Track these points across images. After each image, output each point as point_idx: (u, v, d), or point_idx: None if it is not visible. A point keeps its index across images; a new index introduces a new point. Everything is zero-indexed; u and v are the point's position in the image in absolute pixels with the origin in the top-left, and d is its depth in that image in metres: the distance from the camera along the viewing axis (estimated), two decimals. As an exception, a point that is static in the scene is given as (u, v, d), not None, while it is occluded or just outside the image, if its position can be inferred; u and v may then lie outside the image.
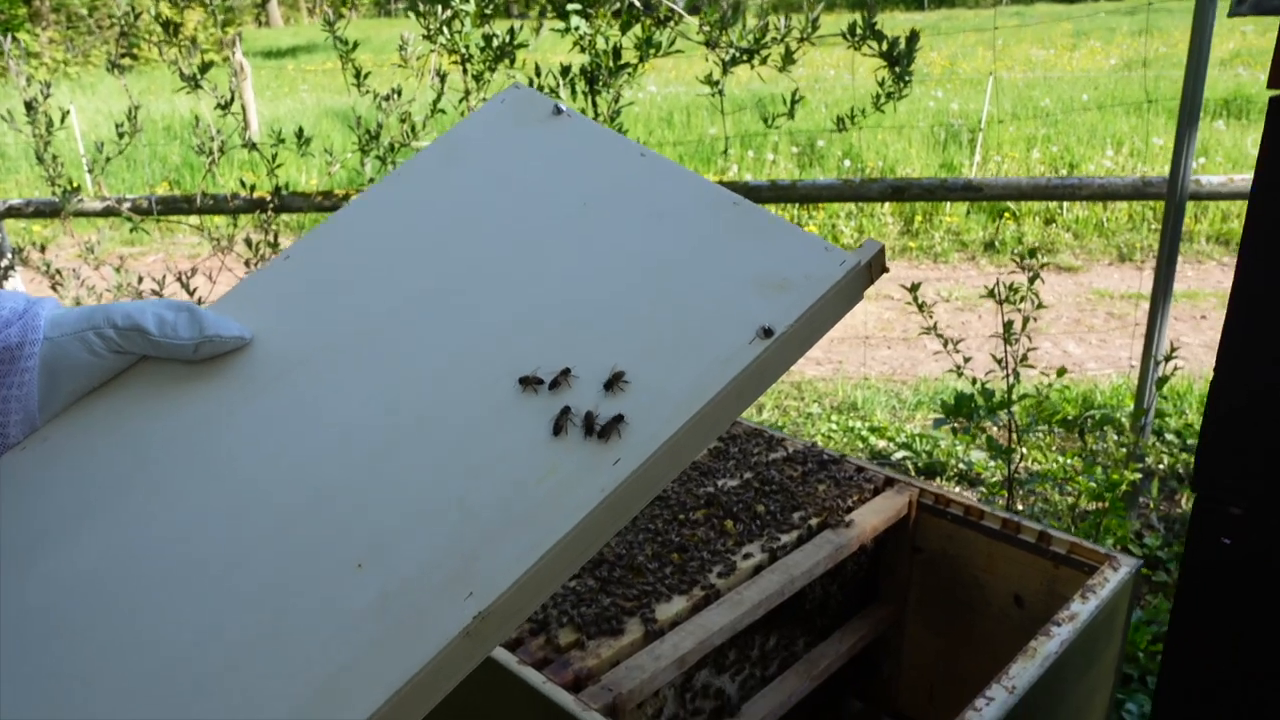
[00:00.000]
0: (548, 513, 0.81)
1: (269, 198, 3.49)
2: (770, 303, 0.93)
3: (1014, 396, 2.68)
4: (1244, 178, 3.26)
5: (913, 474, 3.78)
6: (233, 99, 3.20)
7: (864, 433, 4.19)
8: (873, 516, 1.60)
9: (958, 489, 3.65)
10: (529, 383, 0.90)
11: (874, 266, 0.96)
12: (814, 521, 1.58)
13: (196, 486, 0.88)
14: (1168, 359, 2.55)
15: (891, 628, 1.76)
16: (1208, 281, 6.33)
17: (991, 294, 2.72)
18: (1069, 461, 3.06)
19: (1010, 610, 1.62)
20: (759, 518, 1.58)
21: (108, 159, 3.57)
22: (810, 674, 1.56)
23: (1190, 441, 4.00)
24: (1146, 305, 5.91)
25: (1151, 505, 3.42)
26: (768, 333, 0.90)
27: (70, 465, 0.91)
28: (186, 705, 0.73)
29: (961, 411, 2.31)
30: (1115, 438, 3.94)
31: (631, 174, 1.09)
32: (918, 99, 9.98)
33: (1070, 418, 4.09)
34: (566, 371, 0.90)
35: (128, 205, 3.77)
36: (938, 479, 3.76)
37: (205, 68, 3.13)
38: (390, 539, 0.81)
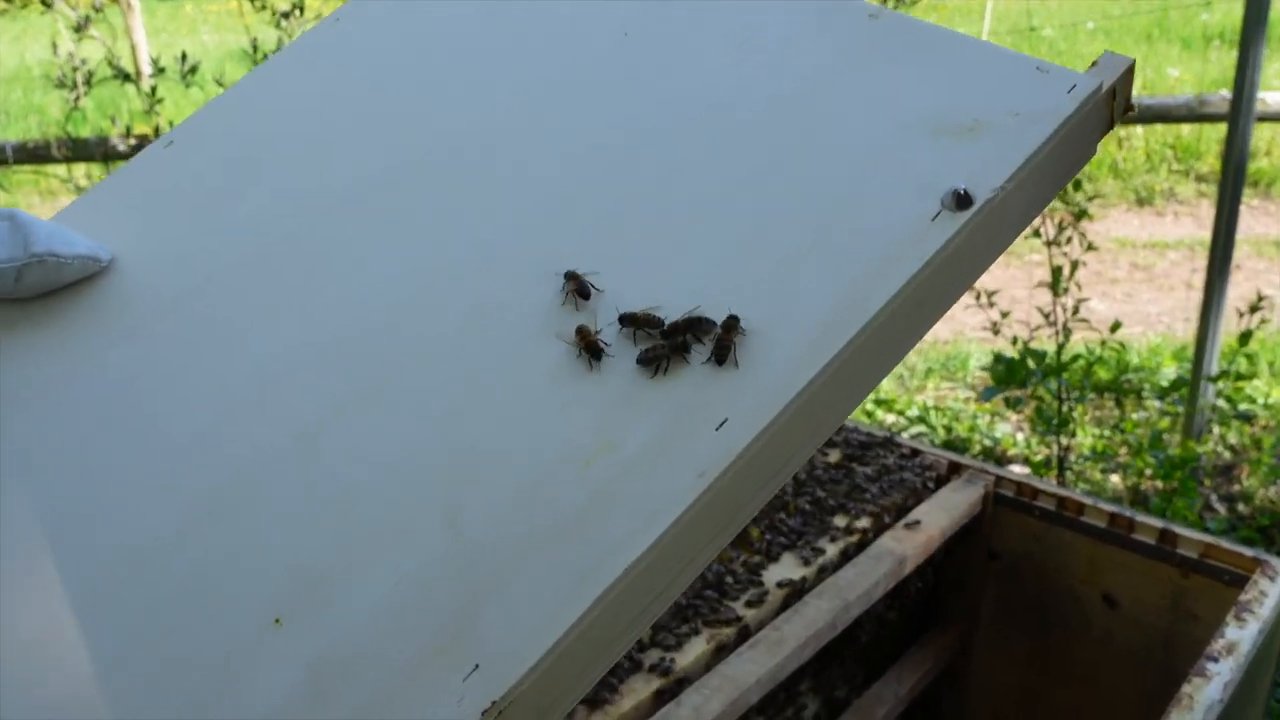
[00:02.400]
0: (604, 523, 0.52)
1: (151, 140, 3.14)
2: (959, 156, 0.63)
3: (1064, 359, 2.43)
4: (1320, 93, 3.04)
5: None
6: (89, 21, 2.85)
7: (869, 406, 3.95)
8: (941, 516, 1.34)
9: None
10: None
11: (1119, 94, 0.66)
12: (863, 524, 1.31)
13: (5, 500, 0.59)
14: (1253, 309, 2.31)
15: (957, 655, 1.50)
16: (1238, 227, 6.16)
17: (1036, 234, 2.47)
18: (1132, 434, 2.83)
19: (1116, 630, 1.37)
20: (790, 523, 1.30)
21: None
22: (864, 727, 1.29)
23: (1243, 407, 3.80)
24: (1172, 254, 5.74)
25: (1207, 482, 3.21)
26: (963, 201, 0.61)
27: None
28: None
29: (1015, 378, 2.05)
30: (1157, 405, 3.73)
31: None
32: (905, 30, 9.76)
33: (1105, 383, 3.87)
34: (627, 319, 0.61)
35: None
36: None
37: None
38: (329, 578, 0.52)
